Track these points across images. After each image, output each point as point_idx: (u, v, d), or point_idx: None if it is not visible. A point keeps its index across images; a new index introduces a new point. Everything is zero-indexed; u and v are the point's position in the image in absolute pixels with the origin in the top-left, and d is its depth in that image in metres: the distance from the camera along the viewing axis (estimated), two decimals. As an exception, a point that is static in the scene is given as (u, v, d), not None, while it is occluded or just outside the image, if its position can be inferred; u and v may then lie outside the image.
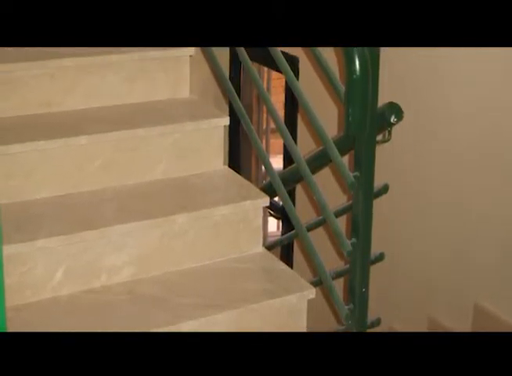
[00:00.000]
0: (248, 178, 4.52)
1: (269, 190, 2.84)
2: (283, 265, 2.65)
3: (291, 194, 3.82)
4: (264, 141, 5.25)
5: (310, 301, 2.53)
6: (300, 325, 2.55)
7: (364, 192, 2.36)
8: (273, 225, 6.38)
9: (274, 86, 5.26)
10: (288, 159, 3.98)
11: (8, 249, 2.24)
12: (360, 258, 2.40)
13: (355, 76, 2.13)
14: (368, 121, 2.25)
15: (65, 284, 2.46)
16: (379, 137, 2.47)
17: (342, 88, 2.29)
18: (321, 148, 2.88)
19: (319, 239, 2.98)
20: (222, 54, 4.44)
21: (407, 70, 3.48)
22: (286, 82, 3.51)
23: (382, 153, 2.52)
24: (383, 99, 2.48)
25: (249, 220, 2.69)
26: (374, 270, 2.56)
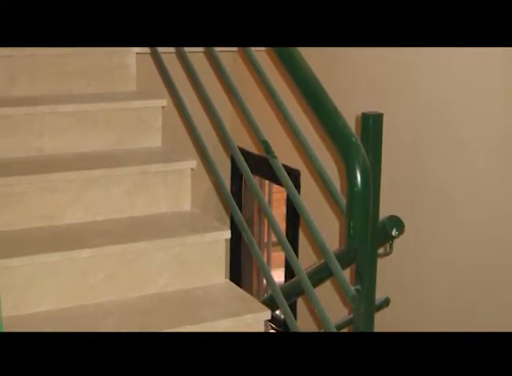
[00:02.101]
0: (249, 290, 4.49)
1: (271, 304, 2.81)
2: None
3: (293, 307, 3.79)
4: (265, 254, 5.23)
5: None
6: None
7: (365, 305, 2.33)
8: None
9: (275, 199, 5.28)
10: (289, 272, 3.96)
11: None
12: None
13: (356, 189, 2.13)
14: (369, 234, 2.24)
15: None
16: (380, 250, 2.46)
17: (343, 200, 2.29)
18: (322, 261, 2.87)
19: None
20: (224, 167, 4.49)
21: (407, 182, 3.50)
22: (288, 195, 3.52)
23: (383, 265, 2.50)
24: (383, 211, 2.48)
25: (250, 334, 2.66)
26: None
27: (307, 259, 3.51)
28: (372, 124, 2.17)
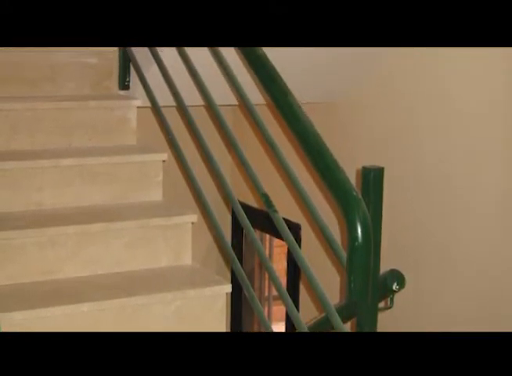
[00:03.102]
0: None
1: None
2: None
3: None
4: (266, 308, 5.20)
5: None
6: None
7: (368, 360, 2.31)
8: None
9: (276, 253, 5.27)
10: (290, 326, 3.93)
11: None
12: None
13: (356, 243, 2.12)
14: (370, 288, 2.23)
15: None
16: (381, 304, 2.45)
17: (344, 254, 2.28)
18: (323, 315, 2.85)
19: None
20: (224, 221, 4.48)
21: (408, 236, 3.50)
22: (288, 249, 3.51)
23: (384, 319, 2.49)
24: (384, 265, 2.47)
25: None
26: None
27: (308, 313, 3.49)
28: (372, 178, 2.17)
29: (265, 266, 2.79)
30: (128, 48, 3.47)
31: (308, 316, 3.24)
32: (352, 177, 2.83)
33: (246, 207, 4.11)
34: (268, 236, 4.83)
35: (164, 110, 3.11)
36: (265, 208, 2.49)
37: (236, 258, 2.88)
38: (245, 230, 2.82)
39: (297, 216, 3.94)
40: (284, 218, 2.61)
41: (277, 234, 2.72)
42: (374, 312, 2.31)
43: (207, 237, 4.50)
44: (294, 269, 4.10)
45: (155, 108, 3.17)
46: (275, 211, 2.46)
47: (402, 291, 2.72)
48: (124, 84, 3.57)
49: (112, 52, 3.58)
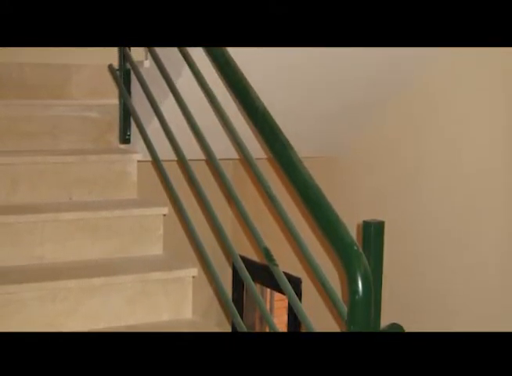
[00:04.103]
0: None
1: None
2: None
3: None
4: (266, 362, 5.16)
5: None
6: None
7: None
8: None
9: (277, 307, 5.24)
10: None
11: None
12: None
13: (357, 297, 2.12)
14: (372, 342, 2.22)
15: None
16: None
17: (344, 308, 2.27)
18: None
19: None
20: (225, 274, 4.47)
21: (409, 290, 3.48)
22: (289, 303, 3.50)
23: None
24: (384, 319, 2.46)
25: None
26: None
27: (309, 368, 3.46)
28: (373, 232, 2.17)
29: (265, 320, 2.78)
30: (128, 102, 3.50)
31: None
32: (353, 231, 2.83)
33: (247, 261, 4.10)
34: (268, 290, 4.82)
35: (164, 164, 3.13)
36: (265, 262, 2.49)
37: (236, 312, 2.87)
38: (246, 284, 2.81)
39: (297, 270, 3.93)
40: (285, 272, 2.61)
41: (278, 288, 2.72)
42: (376, 367, 2.29)
43: (208, 291, 4.48)
44: (295, 322, 4.08)
45: (156, 162, 3.18)
46: (276, 264, 2.45)
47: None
48: (124, 138, 3.60)
49: (113, 106, 3.61)
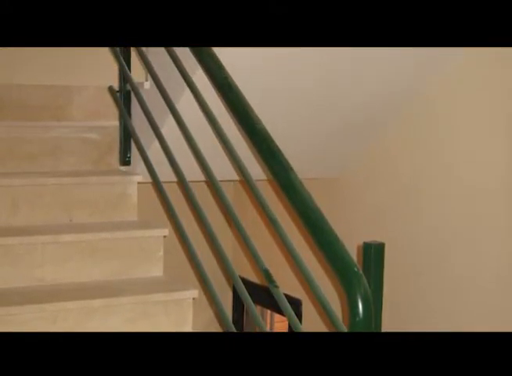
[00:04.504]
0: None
1: None
2: None
3: None
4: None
5: None
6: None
7: None
8: None
9: (277, 328, 5.23)
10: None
11: None
12: None
13: (357, 318, 2.11)
14: (372, 364, 2.21)
15: None
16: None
17: (345, 330, 2.27)
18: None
19: None
20: (225, 296, 4.46)
21: (409, 311, 3.48)
22: (289, 325, 3.49)
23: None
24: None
25: None
26: None
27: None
28: (373, 253, 2.17)
29: (266, 342, 2.77)
30: (129, 123, 3.51)
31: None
32: (353, 252, 2.83)
33: (247, 283, 4.10)
34: (269, 311, 4.81)
35: (165, 186, 3.13)
36: (265, 284, 2.49)
37: (237, 334, 2.86)
38: (246, 305, 2.81)
39: (298, 291, 3.93)
40: (285, 294, 2.60)
41: (278, 309, 2.71)
42: (377, 389, 2.28)
43: (208, 312, 4.47)
44: (295, 344, 4.06)
45: (156, 184, 3.19)
46: (276, 286, 2.45)
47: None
48: (125, 160, 3.60)
49: (113, 128, 3.62)
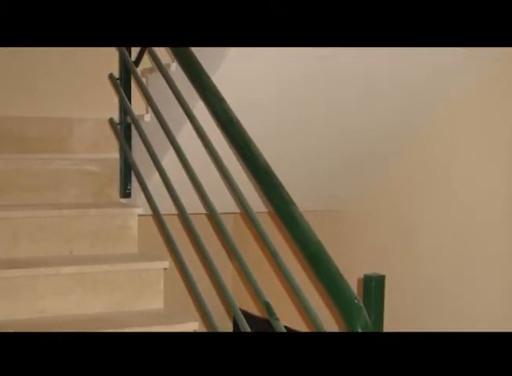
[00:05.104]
0: None
1: None
2: None
3: None
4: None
5: None
6: None
7: None
8: None
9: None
10: None
11: None
12: None
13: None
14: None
15: None
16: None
17: (346, 363, 2.27)
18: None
19: None
20: (226, 329, 4.45)
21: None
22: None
23: None
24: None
25: None
26: None
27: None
28: (374, 286, 2.17)
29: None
30: (129, 156, 3.52)
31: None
32: (354, 284, 2.83)
33: (248, 315, 4.09)
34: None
35: (165, 218, 3.14)
36: (266, 316, 2.48)
37: (237, 367, 2.85)
38: None
39: (298, 324, 3.92)
40: (285, 326, 2.60)
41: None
42: (378, 422, 2.27)
43: None
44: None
45: (156, 216, 3.19)
46: (277, 318, 2.45)
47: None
48: (125, 192, 3.61)
49: (113, 160, 3.63)
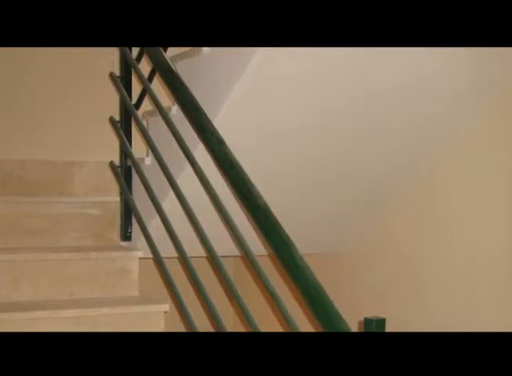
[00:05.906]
0: None
1: None
2: None
3: None
4: None
5: None
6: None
7: None
8: None
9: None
10: None
11: None
12: None
13: None
14: None
15: None
16: None
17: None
18: None
19: None
20: None
21: None
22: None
23: None
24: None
25: None
26: None
27: None
28: (374, 329, 2.17)
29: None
30: (129, 199, 3.52)
31: None
32: (354, 327, 2.82)
33: (248, 358, 4.06)
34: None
35: (165, 261, 3.13)
36: (267, 360, 2.47)
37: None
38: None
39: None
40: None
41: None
42: None
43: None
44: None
45: (157, 259, 3.19)
46: (278, 362, 2.43)
47: None
48: (126, 236, 3.61)
49: (114, 203, 3.64)
